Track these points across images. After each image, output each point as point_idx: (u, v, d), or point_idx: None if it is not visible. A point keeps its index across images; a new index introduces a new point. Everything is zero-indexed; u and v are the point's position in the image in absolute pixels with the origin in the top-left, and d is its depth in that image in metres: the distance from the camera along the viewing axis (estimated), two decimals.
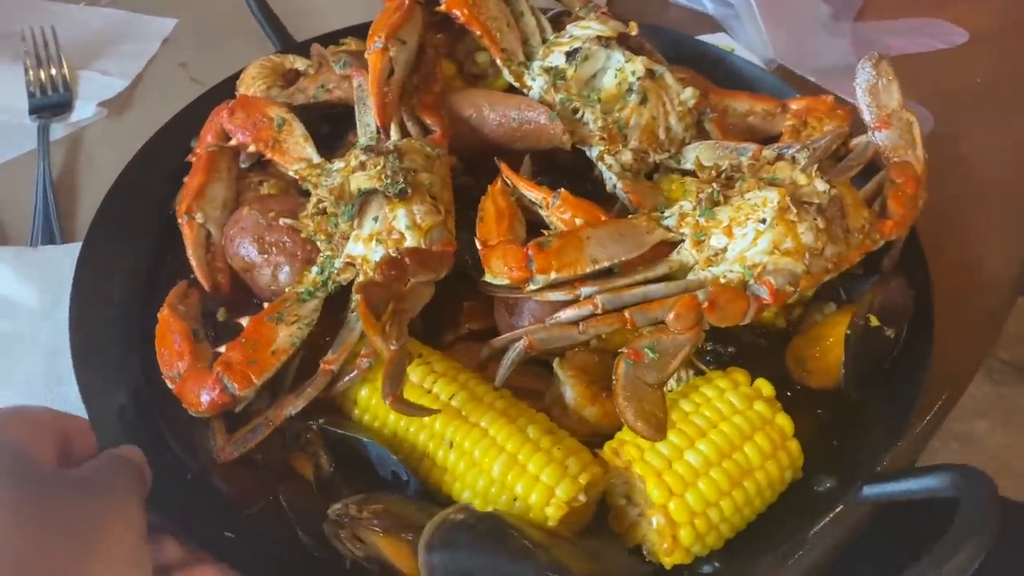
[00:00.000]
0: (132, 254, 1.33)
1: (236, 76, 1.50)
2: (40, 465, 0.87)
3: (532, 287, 1.12)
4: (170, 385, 1.13)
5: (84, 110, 1.69)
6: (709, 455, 1.02)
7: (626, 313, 1.08)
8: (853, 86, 1.30)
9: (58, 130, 1.66)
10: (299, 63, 1.54)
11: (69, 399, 1.22)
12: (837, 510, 1.08)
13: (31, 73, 1.69)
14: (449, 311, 1.28)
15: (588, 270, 1.10)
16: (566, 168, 1.40)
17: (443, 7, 1.35)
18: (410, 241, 1.17)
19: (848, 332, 1.14)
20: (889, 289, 1.21)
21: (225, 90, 1.44)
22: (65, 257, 1.41)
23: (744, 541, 1.06)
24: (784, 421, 1.07)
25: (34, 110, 1.66)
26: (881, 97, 1.28)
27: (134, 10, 1.95)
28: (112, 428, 1.12)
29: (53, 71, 1.70)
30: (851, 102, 1.32)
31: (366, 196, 1.18)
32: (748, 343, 1.23)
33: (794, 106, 1.40)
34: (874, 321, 1.16)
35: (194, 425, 1.14)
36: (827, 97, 1.39)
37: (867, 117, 1.28)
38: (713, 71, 1.57)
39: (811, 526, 1.06)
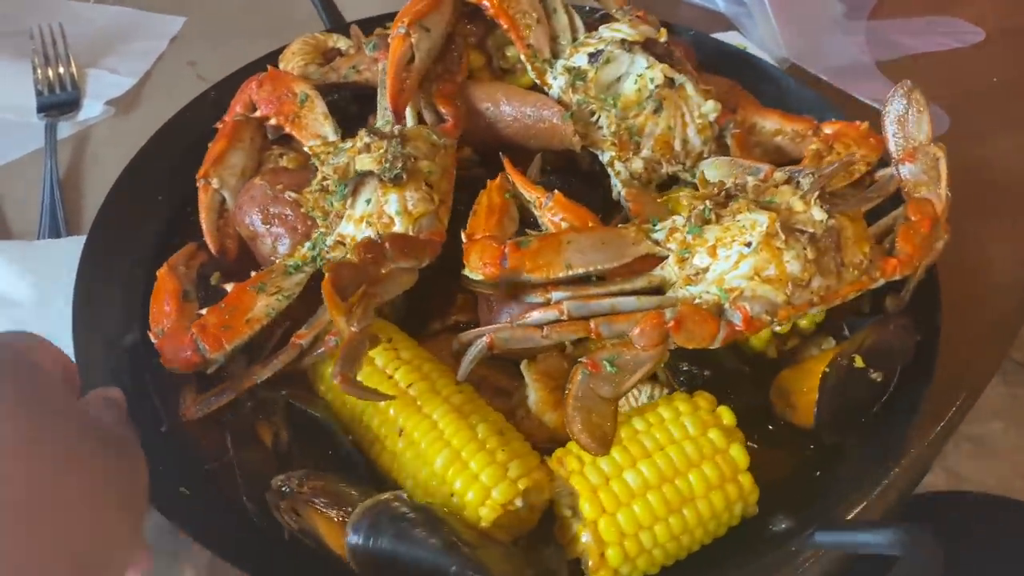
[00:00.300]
0: (136, 243, 1.36)
1: (240, 74, 1.51)
2: (59, 394, 0.84)
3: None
4: (154, 340, 1.18)
5: (92, 109, 1.68)
6: (649, 477, 0.99)
7: (591, 323, 1.06)
8: (883, 115, 1.24)
9: (65, 128, 1.65)
10: (342, 43, 1.57)
11: None
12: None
13: (39, 71, 1.67)
14: (440, 301, 1.28)
15: (561, 275, 1.09)
16: (584, 171, 1.38)
17: None
18: (398, 226, 1.17)
19: (826, 370, 1.09)
20: (886, 331, 1.14)
21: (229, 87, 1.45)
22: (61, 251, 1.42)
23: (684, 571, 1.02)
24: (738, 453, 1.02)
25: (42, 108, 1.65)
26: (909, 128, 1.21)
27: (143, 8, 1.95)
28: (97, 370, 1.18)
29: (61, 69, 1.67)
30: (867, 103, 1.26)
31: (361, 178, 1.20)
32: (731, 369, 1.18)
33: (827, 130, 1.34)
34: (859, 362, 1.11)
35: (174, 384, 1.18)
36: (861, 124, 1.32)
37: (892, 148, 1.22)
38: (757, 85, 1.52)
39: (755, 564, 1.02)
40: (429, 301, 1.27)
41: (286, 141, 1.43)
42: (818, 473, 1.13)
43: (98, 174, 1.58)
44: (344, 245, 1.20)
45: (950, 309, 1.23)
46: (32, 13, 1.82)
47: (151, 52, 1.82)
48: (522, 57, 1.36)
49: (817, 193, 1.08)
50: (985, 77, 1.79)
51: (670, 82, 1.29)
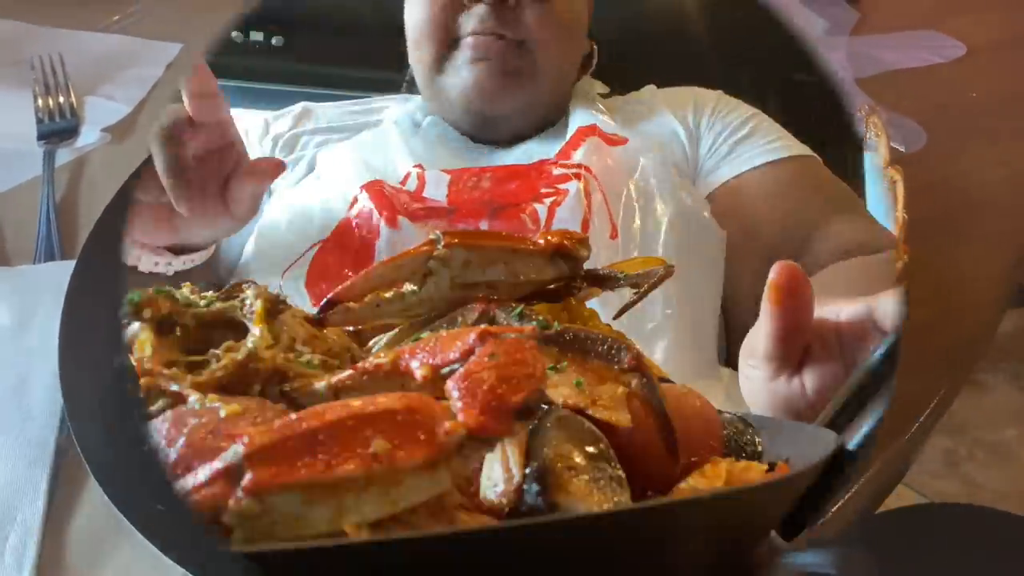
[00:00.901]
0: (125, 266, 1.35)
1: None
2: None
3: None
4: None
5: (89, 135, 1.68)
6: None
7: None
8: None
9: (63, 155, 1.66)
10: None
11: (32, 412, 1.21)
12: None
13: (40, 100, 1.69)
14: None
15: None
16: None
17: None
18: None
19: None
20: None
21: None
22: (39, 276, 1.42)
23: None
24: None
25: (42, 136, 1.66)
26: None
27: (139, 35, 1.93)
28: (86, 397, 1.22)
29: (61, 99, 1.69)
30: None
31: None
32: None
33: None
34: None
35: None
36: None
37: None
38: None
39: None
40: None
41: None
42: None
43: (94, 199, 1.58)
44: None
45: (921, 326, 1.23)
46: (33, 42, 1.84)
47: (147, 79, 1.82)
48: None
49: None
50: (965, 92, 1.78)
51: None
